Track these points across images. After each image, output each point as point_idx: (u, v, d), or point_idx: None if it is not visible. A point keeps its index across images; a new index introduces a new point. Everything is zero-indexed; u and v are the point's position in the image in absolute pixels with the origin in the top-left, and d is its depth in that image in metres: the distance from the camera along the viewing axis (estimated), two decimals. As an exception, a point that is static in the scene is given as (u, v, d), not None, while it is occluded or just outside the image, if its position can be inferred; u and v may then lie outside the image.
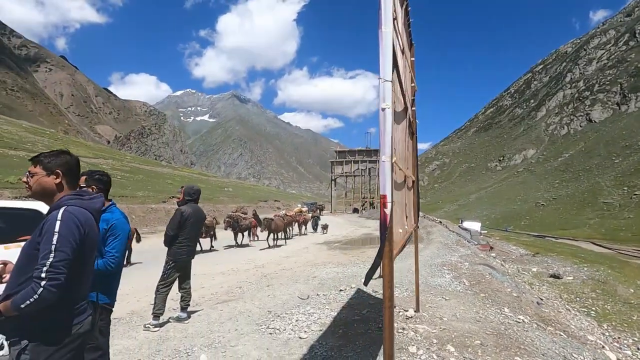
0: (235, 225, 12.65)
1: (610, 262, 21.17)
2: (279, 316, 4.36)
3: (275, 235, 13.32)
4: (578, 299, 14.54)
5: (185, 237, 4.08)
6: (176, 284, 4.26)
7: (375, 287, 5.89)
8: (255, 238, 12.76)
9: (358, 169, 57.11)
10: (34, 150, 37.29)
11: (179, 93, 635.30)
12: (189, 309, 4.50)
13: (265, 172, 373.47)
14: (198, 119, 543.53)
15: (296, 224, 17.96)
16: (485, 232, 35.59)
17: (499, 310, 4.80)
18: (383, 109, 1.46)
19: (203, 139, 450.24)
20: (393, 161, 1.51)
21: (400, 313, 4.27)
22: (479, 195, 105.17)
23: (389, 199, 1.44)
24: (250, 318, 4.34)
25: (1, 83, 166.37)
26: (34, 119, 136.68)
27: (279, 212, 16.33)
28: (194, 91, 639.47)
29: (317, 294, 5.44)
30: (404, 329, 3.70)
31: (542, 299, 8.67)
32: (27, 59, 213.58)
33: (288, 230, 16.26)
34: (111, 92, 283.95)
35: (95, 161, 44.02)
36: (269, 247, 12.50)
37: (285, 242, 14.19)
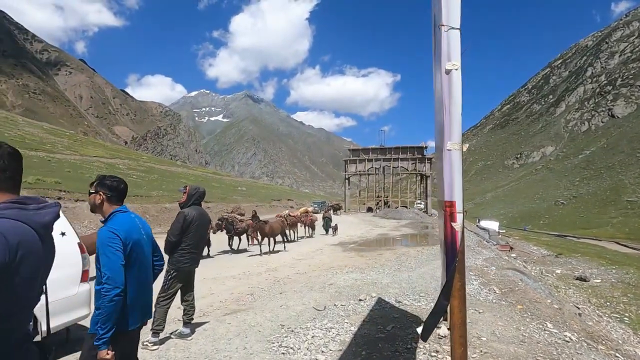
0: (230, 227, 11.37)
1: (635, 263, 20.10)
2: (292, 331, 3.90)
3: (271, 241, 11.70)
4: (608, 303, 13.62)
5: (188, 244, 3.66)
6: (178, 295, 3.84)
7: (399, 297, 5.37)
8: (255, 242, 10.94)
9: (372, 167, 56.14)
10: (53, 151, 38.05)
11: (193, 94, 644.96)
12: (194, 320, 4.08)
13: (279, 172, 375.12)
14: (212, 119, 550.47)
15: (302, 225, 16.62)
16: (504, 231, 34.50)
17: (541, 326, 4.23)
18: (448, 71, 0.95)
19: (217, 138, 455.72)
20: (464, 149, 1.00)
21: (431, 331, 3.76)
22: (495, 194, 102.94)
23: (458, 207, 0.94)
24: (260, 334, 3.89)
25: (24, 87, 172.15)
26: (55, 121, 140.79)
27: (281, 213, 14.72)
28: (208, 92, 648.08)
29: (335, 304, 4.95)
30: (437, 351, 3.19)
31: (578, 307, 7.98)
32: (48, 63, 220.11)
33: (292, 232, 15.05)
34: (128, 94, 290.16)
35: (112, 161, 44.70)
36: (261, 254, 10.86)
37: (285, 247, 12.52)
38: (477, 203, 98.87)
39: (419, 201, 53.91)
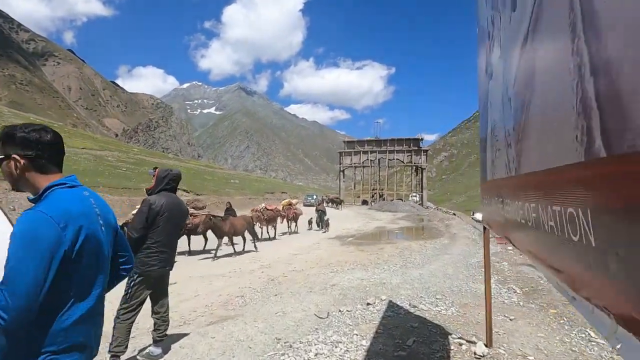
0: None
1: None
2: (291, 347, 3.16)
3: (230, 241, 9.40)
4: None
5: (156, 240, 2.84)
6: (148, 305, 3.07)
7: (412, 300, 4.67)
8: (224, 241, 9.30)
9: (367, 159, 55.35)
10: (37, 143, 36.64)
11: (185, 86, 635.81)
12: (170, 331, 3.32)
13: (272, 165, 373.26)
14: (205, 111, 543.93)
15: (284, 220, 14.67)
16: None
17: (583, 335, 3.58)
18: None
19: (210, 131, 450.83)
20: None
21: (464, 347, 3.06)
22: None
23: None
24: (251, 350, 3.14)
25: (10, 77, 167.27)
26: (43, 113, 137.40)
27: (257, 206, 12.94)
28: (200, 83, 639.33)
29: (339, 310, 4.22)
30: (478, 377, 2.50)
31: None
32: (35, 53, 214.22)
33: (273, 228, 13.24)
34: (118, 85, 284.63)
35: (101, 153, 43.38)
36: (214, 258, 8.76)
37: (256, 247, 10.22)
38: (470, 196, 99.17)
39: (414, 194, 53.49)
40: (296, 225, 15.62)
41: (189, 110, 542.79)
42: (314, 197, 42.50)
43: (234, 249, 9.32)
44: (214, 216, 9.06)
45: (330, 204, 39.28)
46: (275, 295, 5.21)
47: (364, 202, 54.68)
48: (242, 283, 6.23)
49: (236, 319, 4.04)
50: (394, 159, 54.63)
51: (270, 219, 12.81)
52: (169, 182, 3.03)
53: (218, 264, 8.34)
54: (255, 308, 4.49)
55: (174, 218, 2.97)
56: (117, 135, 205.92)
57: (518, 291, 5.31)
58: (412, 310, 4.20)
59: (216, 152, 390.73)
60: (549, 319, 3.99)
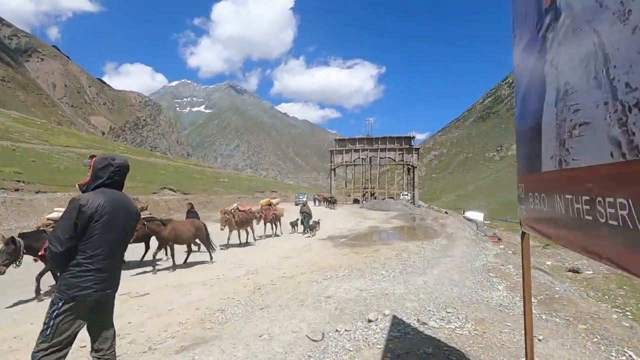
0: None
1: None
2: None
3: (170, 250, 7.84)
4: (606, 297, 13.11)
5: (91, 255, 2.09)
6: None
7: (420, 314, 4.04)
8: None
9: (359, 158, 54.84)
10: (20, 140, 35.10)
11: (174, 83, 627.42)
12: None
13: (263, 163, 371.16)
14: (194, 109, 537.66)
15: (262, 221, 13.11)
16: (489, 222, 34.43)
17: (624, 359, 3.02)
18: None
19: (199, 130, 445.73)
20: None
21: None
22: (477, 186, 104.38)
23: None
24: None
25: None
26: (26, 110, 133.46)
27: (227, 207, 11.13)
28: (189, 81, 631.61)
29: (336, 330, 3.56)
30: None
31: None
32: (18, 49, 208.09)
33: (246, 232, 11.66)
34: (105, 83, 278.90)
35: (85, 151, 41.91)
36: (153, 271, 7.24)
37: (211, 259, 8.40)
38: (459, 195, 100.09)
39: (405, 192, 53.25)
40: (277, 227, 14.21)
41: (177, 109, 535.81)
42: (305, 196, 41.82)
43: (173, 261, 7.56)
44: (149, 220, 7.50)
45: (324, 203, 38.63)
46: (262, 309, 4.52)
47: (355, 201, 54.20)
48: (225, 293, 5.56)
49: (212, 343, 3.34)
50: (385, 157, 54.26)
51: (242, 222, 11.06)
52: (111, 175, 2.24)
53: (200, 269, 7.64)
54: (237, 327, 3.80)
55: (116, 223, 2.18)
56: (104, 133, 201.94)
57: (534, 300, 4.77)
58: (421, 328, 3.58)
59: (206, 150, 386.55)
60: (581, 337, 3.43)
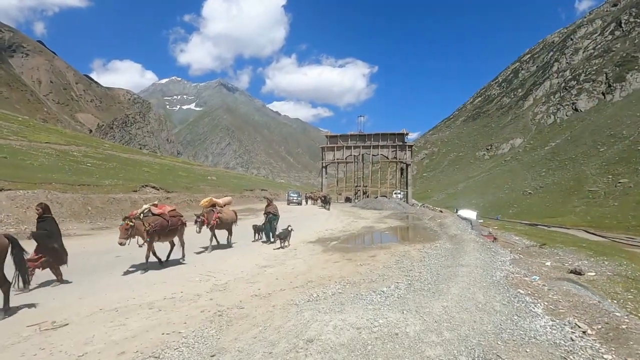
0: None
1: (619, 253, 19.81)
2: None
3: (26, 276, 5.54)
4: (615, 301, 12.83)
5: None
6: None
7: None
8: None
9: (351, 155, 54.32)
10: (-2, 136, 33.86)
11: (164, 81, 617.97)
12: None
13: (254, 162, 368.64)
14: (184, 107, 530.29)
15: (204, 227, 9.91)
16: (481, 221, 34.54)
17: None
18: None
19: (190, 128, 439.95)
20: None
21: None
22: (467, 184, 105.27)
23: None
24: None
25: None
26: (10, 107, 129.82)
27: (134, 210, 8.01)
28: (179, 79, 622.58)
29: None
30: None
31: None
32: (1, 44, 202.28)
33: (171, 243, 8.65)
34: (92, 79, 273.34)
35: (66, 148, 40.74)
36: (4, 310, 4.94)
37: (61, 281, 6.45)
38: (450, 193, 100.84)
39: (397, 191, 53.15)
40: (228, 235, 11.14)
41: (167, 106, 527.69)
42: (298, 195, 40.54)
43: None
44: None
45: (317, 202, 37.67)
46: (212, 356, 3.37)
47: (347, 200, 53.89)
48: (172, 322, 4.37)
49: None
50: (378, 154, 53.95)
51: (160, 231, 7.86)
52: None
53: (156, 282, 6.36)
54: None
55: None
56: (91, 131, 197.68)
57: (590, 332, 3.97)
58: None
59: (196, 149, 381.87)
60: None
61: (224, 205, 11.13)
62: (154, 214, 7.93)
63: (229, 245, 10.69)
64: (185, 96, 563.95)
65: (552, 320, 4.27)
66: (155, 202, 8.42)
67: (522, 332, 3.95)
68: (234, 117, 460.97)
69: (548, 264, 14.90)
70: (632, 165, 69.66)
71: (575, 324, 4.09)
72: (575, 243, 23.18)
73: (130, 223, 7.18)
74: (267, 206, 11.77)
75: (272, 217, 11.60)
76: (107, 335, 4.13)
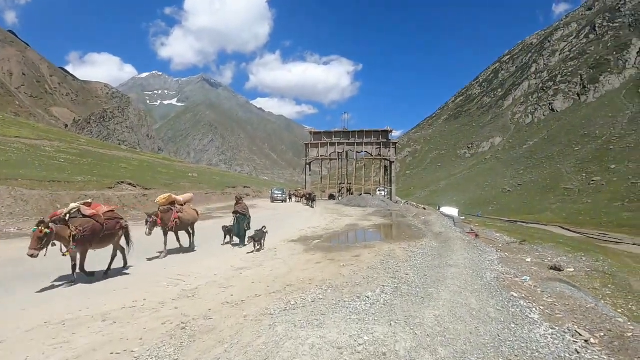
0: None
1: (595, 249, 20.25)
2: None
3: None
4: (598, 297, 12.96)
5: None
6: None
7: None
8: None
9: (335, 152, 53.91)
10: (-43, 130, 31.73)
11: (144, 75, 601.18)
12: None
13: (237, 159, 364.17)
14: (165, 102, 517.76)
15: (158, 228, 8.64)
16: (463, 218, 34.89)
17: None
18: None
19: (171, 123, 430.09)
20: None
21: None
22: (449, 182, 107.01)
23: None
24: None
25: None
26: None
27: (59, 210, 6.69)
28: (160, 73, 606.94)
29: None
30: None
31: None
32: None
33: (118, 250, 7.32)
34: (68, 72, 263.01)
35: (37, 142, 38.70)
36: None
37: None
38: (432, 190, 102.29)
39: (381, 188, 53.15)
40: (190, 236, 9.75)
41: (148, 101, 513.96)
42: (283, 192, 39.53)
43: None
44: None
45: (302, 200, 36.87)
46: None
47: (331, 197, 53.61)
48: (126, 338, 3.75)
49: None
50: (362, 151, 53.77)
51: (91, 237, 6.36)
52: None
53: (120, 288, 5.71)
54: None
55: None
56: (66, 125, 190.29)
57: (593, 340, 3.63)
58: None
59: (178, 145, 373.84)
60: None
61: (185, 204, 9.85)
62: (84, 216, 6.41)
63: (191, 249, 9.54)
64: (166, 91, 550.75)
65: (551, 328, 3.95)
66: (89, 201, 6.96)
67: (522, 345, 3.58)
68: (217, 113, 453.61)
69: (529, 260, 14.93)
70: (604, 163, 72.28)
71: (576, 331, 3.79)
72: (553, 239, 23.61)
73: (46, 230, 5.65)
74: (235, 205, 10.64)
75: (240, 217, 10.37)
76: (43, 356, 3.45)
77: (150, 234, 8.16)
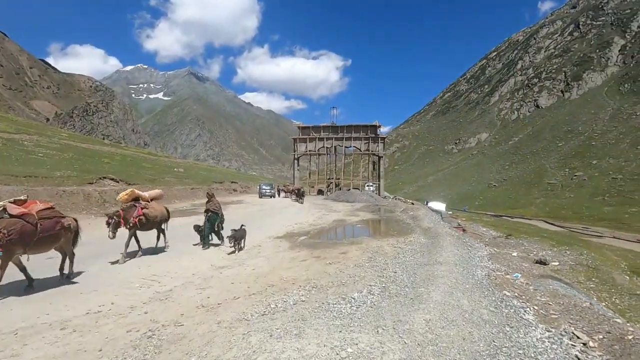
0: None
1: (578, 243, 20.54)
2: None
3: None
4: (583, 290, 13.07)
5: None
6: None
7: None
8: None
9: (323, 147, 53.49)
10: None
11: (129, 68, 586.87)
12: None
13: (225, 154, 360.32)
14: (151, 96, 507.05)
15: (116, 228, 7.67)
16: (450, 212, 35.05)
17: None
18: None
19: (157, 118, 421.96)
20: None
21: None
22: (436, 177, 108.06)
23: None
24: None
25: None
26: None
27: None
28: (146, 67, 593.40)
29: None
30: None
31: None
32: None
33: (66, 258, 6.47)
34: (49, 64, 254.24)
35: (16, 137, 37.16)
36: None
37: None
38: (420, 185, 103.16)
39: (369, 183, 53.11)
40: (160, 236, 9.06)
41: (133, 95, 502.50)
42: (271, 187, 38.77)
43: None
44: None
45: (290, 195, 36.26)
46: None
47: (320, 192, 53.35)
48: (83, 351, 3.34)
49: None
50: (350, 146, 53.57)
51: (19, 240, 5.39)
52: None
53: (82, 292, 5.21)
54: None
55: None
56: (48, 119, 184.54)
57: (592, 344, 3.42)
58: None
59: (165, 140, 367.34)
60: None
61: (152, 200, 8.95)
62: (11, 216, 5.39)
63: (162, 249, 8.76)
64: (152, 85, 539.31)
65: (547, 331, 3.73)
66: (22, 197, 5.82)
67: (519, 351, 3.32)
68: (205, 107, 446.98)
69: (515, 254, 14.93)
70: (586, 159, 74.00)
71: (573, 333, 3.57)
72: (537, 233, 23.80)
73: None
74: (207, 202, 9.65)
75: (212, 215, 9.39)
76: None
77: (114, 236, 7.33)
